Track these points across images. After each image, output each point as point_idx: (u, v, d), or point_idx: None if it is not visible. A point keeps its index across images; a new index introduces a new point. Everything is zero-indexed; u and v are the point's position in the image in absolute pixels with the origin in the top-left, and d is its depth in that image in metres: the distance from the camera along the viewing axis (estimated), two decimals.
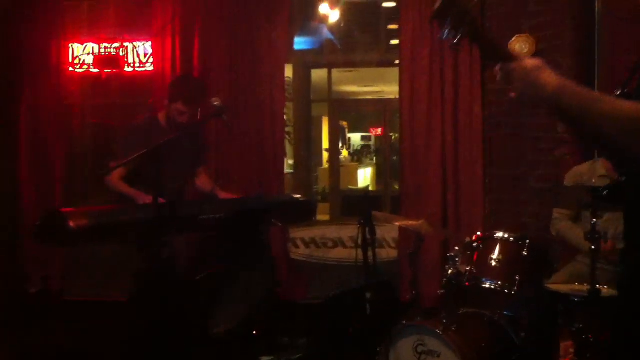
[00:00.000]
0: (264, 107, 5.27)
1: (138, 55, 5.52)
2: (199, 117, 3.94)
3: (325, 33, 6.13)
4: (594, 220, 3.10)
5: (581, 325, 3.18)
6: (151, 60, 5.44)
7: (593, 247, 3.07)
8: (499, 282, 3.34)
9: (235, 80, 5.27)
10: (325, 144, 12.18)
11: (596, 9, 4.56)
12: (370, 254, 3.47)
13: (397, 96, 5.30)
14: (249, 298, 3.94)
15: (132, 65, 5.52)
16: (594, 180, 3.72)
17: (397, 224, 4.08)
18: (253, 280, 3.96)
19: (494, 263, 3.40)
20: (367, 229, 3.46)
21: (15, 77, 5.44)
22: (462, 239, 3.63)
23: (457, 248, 3.56)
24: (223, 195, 4.04)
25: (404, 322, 3.29)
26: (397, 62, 5.49)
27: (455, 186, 5.08)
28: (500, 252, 3.42)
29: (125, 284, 3.74)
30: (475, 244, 3.47)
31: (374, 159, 15.66)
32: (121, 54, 5.48)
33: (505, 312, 3.45)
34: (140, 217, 3.36)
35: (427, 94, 5.07)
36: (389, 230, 5.21)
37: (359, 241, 3.47)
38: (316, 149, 11.88)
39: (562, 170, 4.20)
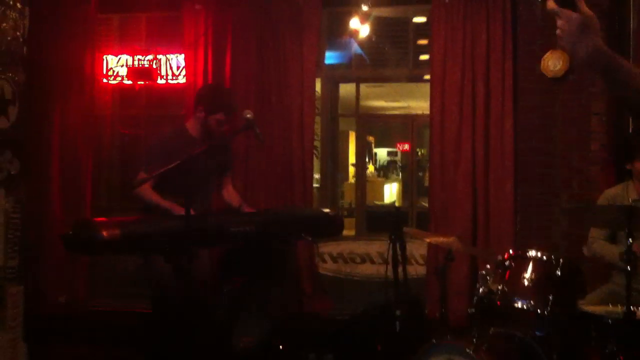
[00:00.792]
0: (293, 120, 5.29)
1: (171, 68, 5.58)
2: (232, 128, 3.95)
3: (355, 48, 6.13)
4: (630, 240, 3.04)
5: (615, 348, 3.11)
6: (183, 72, 5.50)
7: (629, 267, 3.01)
8: (531, 302, 3.28)
9: (265, 93, 5.31)
10: (352, 158, 12.15)
11: (631, 26, 4.52)
12: (400, 270, 3.45)
13: (425, 112, 5.28)
14: (274, 312, 3.92)
15: (164, 77, 5.59)
16: (633, 202, 3.65)
17: (428, 240, 4.04)
18: (279, 293, 3.95)
19: (526, 282, 3.33)
20: (397, 245, 3.44)
21: (50, 88, 5.52)
22: (493, 257, 3.58)
23: (488, 266, 3.50)
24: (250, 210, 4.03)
25: (433, 340, 3.24)
26: (425, 77, 5.47)
27: (485, 203, 5.02)
28: (532, 271, 3.35)
29: (150, 295, 3.76)
30: (507, 262, 3.41)
31: (400, 174, 15.59)
32: (154, 66, 5.54)
33: (536, 333, 3.38)
34: (170, 229, 3.37)
35: (458, 109, 5.04)
36: (417, 247, 5.17)
37: (389, 257, 3.44)
38: (342, 163, 11.86)
39: (594, 190, 4.13)
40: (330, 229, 4.39)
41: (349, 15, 5.30)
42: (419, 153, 10.29)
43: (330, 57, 6.34)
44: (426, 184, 6.99)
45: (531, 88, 4.83)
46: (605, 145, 4.50)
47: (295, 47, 5.28)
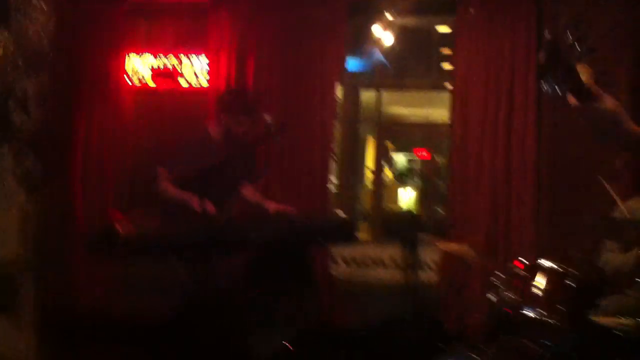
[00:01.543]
0: (314, 128, 5.33)
1: (195, 72, 5.65)
2: (254, 133, 3.99)
3: (378, 55, 6.17)
4: None
5: None
6: (207, 77, 5.56)
7: None
8: (545, 313, 3.30)
9: (287, 98, 5.36)
10: (370, 164, 12.16)
11: None
12: (414, 276, 3.47)
13: (445, 120, 5.29)
14: (293, 322, 3.94)
15: (187, 80, 5.66)
16: None
17: (442, 248, 4.07)
18: (298, 304, 3.96)
19: (540, 293, 3.36)
20: (412, 252, 3.47)
21: (75, 90, 5.60)
22: (508, 267, 3.60)
23: (502, 276, 3.53)
24: (271, 206, 4.05)
25: (448, 351, 3.27)
26: (448, 86, 5.49)
27: (505, 216, 5.03)
28: (547, 282, 3.37)
29: (170, 304, 3.81)
30: (521, 273, 3.43)
31: (419, 181, 15.54)
32: (178, 69, 5.61)
33: (550, 344, 3.40)
34: (193, 236, 3.41)
35: (480, 121, 5.06)
36: (431, 254, 5.18)
37: (404, 263, 3.47)
38: (360, 169, 11.86)
39: (615, 205, 4.13)
40: (346, 234, 4.41)
41: (372, 22, 5.33)
42: (439, 161, 10.27)
43: (353, 64, 6.39)
44: (444, 191, 6.99)
45: (555, 103, 4.83)
46: (629, 162, 4.49)
47: (319, 57, 5.33)
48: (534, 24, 4.97)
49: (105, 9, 5.59)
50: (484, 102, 5.05)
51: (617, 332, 3.19)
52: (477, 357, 3.13)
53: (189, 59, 5.66)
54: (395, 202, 12.27)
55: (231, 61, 5.41)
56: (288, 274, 3.80)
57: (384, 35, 5.27)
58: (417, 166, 16.42)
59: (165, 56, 5.66)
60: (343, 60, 5.68)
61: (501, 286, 3.45)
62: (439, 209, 6.60)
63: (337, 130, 6.07)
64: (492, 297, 3.48)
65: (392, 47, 5.63)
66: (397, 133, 15.17)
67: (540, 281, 3.39)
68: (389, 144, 15.12)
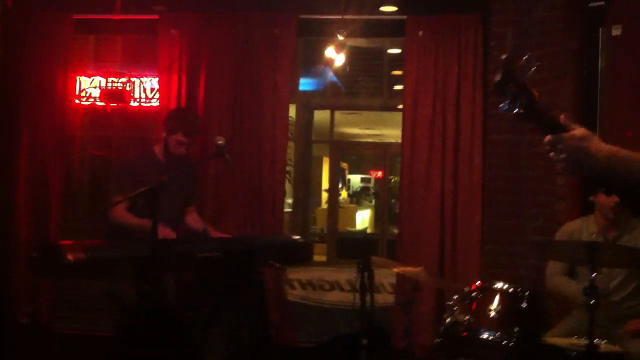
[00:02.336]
0: (265, 146, 5.28)
1: (144, 91, 5.56)
2: (198, 153, 3.95)
3: (330, 76, 6.18)
4: (594, 274, 3.08)
5: None
6: (157, 95, 5.48)
7: (592, 301, 3.05)
8: (498, 333, 3.30)
9: (238, 118, 5.30)
10: (325, 184, 12.20)
11: (599, 65, 4.61)
12: (367, 299, 3.45)
13: (398, 140, 5.32)
14: (239, 339, 3.89)
15: (137, 100, 5.57)
16: (594, 236, 3.71)
17: (395, 270, 4.05)
18: (245, 321, 3.91)
19: (492, 314, 3.36)
20: (365, 274, 3.44)
21: (21, 107, 5.46)
22: (460, 288, 3.60)
23: (455, 297, 3.52)
24: (216, 235, 4.02)
25: None
26: (399, 107, 5.53)
27: (453, 235, 5.07)
28: (499, 303, 3.38)
29: (114, 319, 3.71)
30: (474, 294, 3.44)
31: (373, 201, 15.65)
32: (127, 88, 5.51)
33: None
34: (137, 253, 3.34)
35: (428, 141, 5.09)
36: (386, 276, 5.18)
37: (357, 285, 3.44)
38: (315, 189, 11.88)
39: (560, 224, 4.18)
40: (299, 256, 4.38)
41: (324, 43, 5.34)
42: (392, 180, 10.34)
43: (306, 84, 6.39)
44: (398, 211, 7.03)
45: (500, 124, 4.89)
46: (570, 179, 4.56)
47: (270, 74, 5.30)
48: (480, 47, 5.04)
49: (55, 24, 5.44)
50: (431, 122, 5.10)
51: (567, 352, 3.22)
52: None
53: (139, 78, 5.56)
54: (352, 222, 12.32)
55: (182, 80, 5.33)
56: (235, 290, 3.75)
57: (336, 56, 5.27)
58: (372, 185, 16.59)
59: (115, 76, 5.54)
60: (294, 77, 5.67)
61: (455, 307, 3.44)
62: (393, 229, 6.61)
63: (292, 150, 6.05)
64: (445, 317, 3.47)
65: (344, 68, 5.64)
66: (351, 153, 15.34)
67: (492, 302, 3.40)
68: (344, 165, 15.25)
